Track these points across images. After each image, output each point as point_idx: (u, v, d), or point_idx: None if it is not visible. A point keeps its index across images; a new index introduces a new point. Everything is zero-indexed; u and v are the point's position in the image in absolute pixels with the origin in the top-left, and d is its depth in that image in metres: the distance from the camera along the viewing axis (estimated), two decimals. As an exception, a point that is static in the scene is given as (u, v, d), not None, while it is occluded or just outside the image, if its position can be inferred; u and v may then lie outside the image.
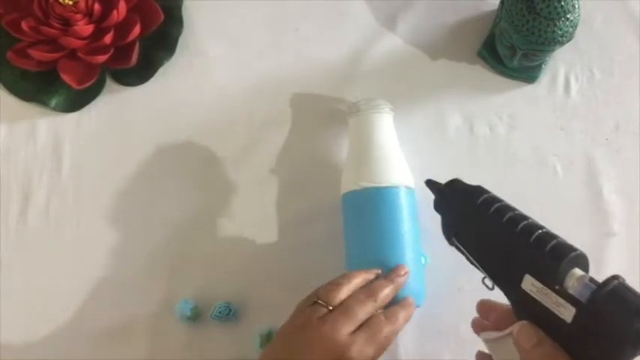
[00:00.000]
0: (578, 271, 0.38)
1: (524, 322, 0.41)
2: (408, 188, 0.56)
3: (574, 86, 0.64)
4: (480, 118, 0.63)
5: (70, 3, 0.59)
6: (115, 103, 0.64)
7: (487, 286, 0.45)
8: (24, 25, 0.60)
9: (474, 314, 0.59)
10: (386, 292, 0.50)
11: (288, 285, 0.58)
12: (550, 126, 0.63)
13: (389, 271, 0.52)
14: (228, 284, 0.59)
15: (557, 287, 0.38)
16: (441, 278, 0.59)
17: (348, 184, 0.56)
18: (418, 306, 0.54)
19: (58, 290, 0.59)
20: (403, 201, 0.55)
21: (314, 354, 0.45)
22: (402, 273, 0.52)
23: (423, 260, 0.56)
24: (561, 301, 0.38)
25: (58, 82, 0.62)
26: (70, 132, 0.63)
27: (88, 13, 0.60)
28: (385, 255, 0.53)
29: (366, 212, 0.54)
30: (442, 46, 0.65)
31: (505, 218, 0.42)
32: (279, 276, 0.59)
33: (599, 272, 0.59)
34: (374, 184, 0.54)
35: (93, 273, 0.60)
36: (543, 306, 0.39)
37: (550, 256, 0.39)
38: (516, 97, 0.64)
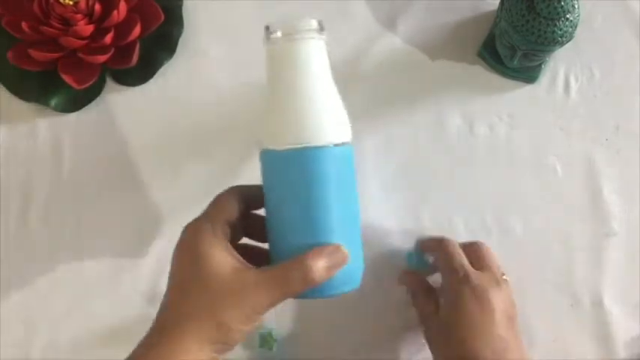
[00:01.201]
0: None
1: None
2: (344, 145, 0.44)
3: (574, 86, 0.64)
4: (480, 118, 0.63)
5: (71, 3, 0.59)
6: (115, 103, 0.64)
7: None
8: (24, 25, 0.60)
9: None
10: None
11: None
12: (550, 126, 0.63)
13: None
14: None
15: None
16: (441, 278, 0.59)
17: (267, 139, 0.44)
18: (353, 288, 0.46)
19: (58, 290, 0.59)
20: (335, 163, 0.43)
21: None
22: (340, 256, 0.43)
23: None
24: None
25: (58, 82, 0.62)
26: (70, 132, 0.63)
27: (89, 13, 0.60)
28: (315, 233, 0.43)
29: (292, 178, 0.43)
30: (442, 46, 0.65)
31: None
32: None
33: (599, 272, 0.60)
34: (301, 144, 0.42)
35: (93, 273, 0.60)
36: None
37: None
38: (516, 97, 0.64)
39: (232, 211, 0.45)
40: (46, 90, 0.63)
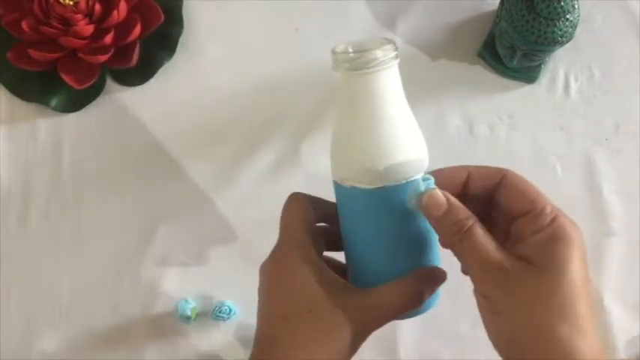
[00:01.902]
0: None
1: (432, 188, 0.40)
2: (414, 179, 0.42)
3: (574, 86, 0.64)
4: (480, 118, 0.63)
5: (71, 3, 0.59)
6: (115, 103, 0.64)
7: None
8: (24, 25, 0.60)
9: (475, 314, 0.59)
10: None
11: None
12: (550, 126, 0.63)
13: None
14: (228, 284, 0.59)
15: None
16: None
17: (353, 176, 0.41)
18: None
19: (58, 290, 0.59)
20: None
21: None
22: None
23: None
24: None
25: (58, 82, 0.62)
26: (70, 132, 0.63)
27: (89, 13, 0.60)
28: (411, 258, 0.43)
29: (384, 211, 0.41)
30: (442, 46, 0.65)
31: None
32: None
33: (599, 272, 0.60)
34: (393, 182, 0.40)
35: (93, 273, 0.60)
36: None
37: None
38: (516, 97, 0.64)
39: (309, 221, 0.42)
40: (46, 90, 0.63)
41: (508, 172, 0.43)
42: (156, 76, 0.64)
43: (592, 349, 0.35)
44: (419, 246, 0.43)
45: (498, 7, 0.63)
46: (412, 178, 0.41)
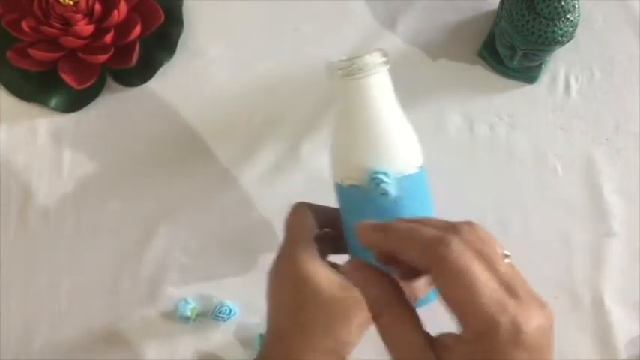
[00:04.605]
0: None
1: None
2: (421, 169, 0.45)
3: (574, 86, 0.64)
4: (480, 118, 0.63)
5: (71, 3, 0.59)
6: (115, 103, 0.64)
7: None
8: (24, 25, 0.60)
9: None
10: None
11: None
12: (550, 126, 0.63)
13: None
14: (228, 284, 0.59)
15: None
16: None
17: (335, 173, 0.45)
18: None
19: (58, 290, 0.59)
20: (417, 188, 0.45)
21: None
22: None
23: None
24: None
25: (58, 82, 0.62)
26: (70, 132, 0.63)
27: (89, 13, 0.60)
28: None
29: (379, 209, 0.43)
30: (442, 46, 0.65)
31: None
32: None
33: (599, 272, 0.60)
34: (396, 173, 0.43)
35: (93, 273, 0.60)
36: None
37: None
38: (516, 97, 0.64)
39: (313, 227, 0.45)
40: (46, 90, 0.63)
41: (435, 261, 0.31)
42: (156, 76, 0.64)
43: None
44: None
45: (498, 7, 0.63)
46: (407, 174, 0.43)
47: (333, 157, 0.45)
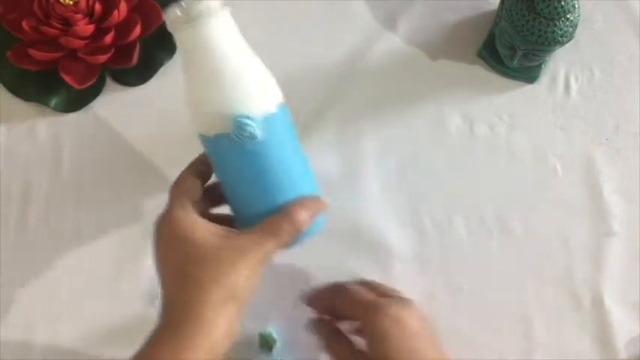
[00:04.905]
0: None
1: None
2: (281, 106, 0.46)
3: (574, 86, 0.64)
4: (480, 118, 0.63)
5: (71, 3, 0.59)
6: (115, 103, 0.64)
7: None
8: (24, 25, 0.60)
9: (475, 314, 0.59)
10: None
11: (287, 284, 0.58)
12: (550, 126, 0.63)
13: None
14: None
15: None
16: (441, 278, 0.59)
17: (197, 124, 0.45)
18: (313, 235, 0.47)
19: (58, 290, 0.59)
20: (282, 126, 0.45)
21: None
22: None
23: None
24: None
25: (58, 82, 0.62)
26: (70, 132, 0.63)
27: (89, 13, 0.60)
28: (286, 190, 0.45)
29: (244, 154, 0.44)
30: (442, 46, 0.65)
31: None
32: (280, 275, 0.59)
33: (599, 272, 0.60)
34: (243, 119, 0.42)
35: (93, 273, 0.60)
36: None
37: None
38: (516, 97, 0.64)
39: (196, 189, 0.46)
40: (46, 90, 0.63)
41: (370, 325, 0.48)
42: (156, 76, 0.64)
43: None
44: (289, 179, 0.45)
45: (498, 7, 0.63)
46: (269, 113, 0.44)
47: (193, 110, 0.45)
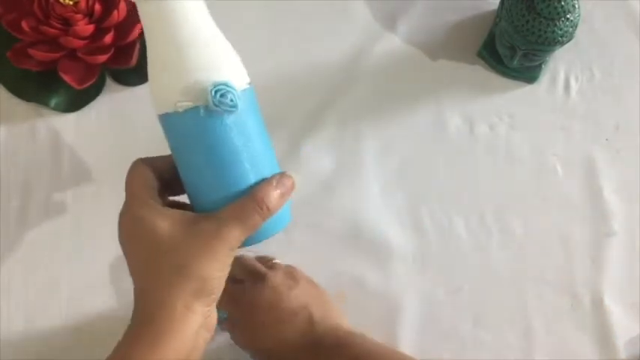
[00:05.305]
0: None
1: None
2: (251, 86, 0.43)
3: (574, 86, 0.64)
4: (480, 118, 0.63)
5: (71, 3, 0.59)
6: (115, 103, 0.64)
7: None
8: (24, 25, 0.60)
9: (474, 314, 0.59)
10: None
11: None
12: (550, 126, 0.63)
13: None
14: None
15: None
16: (441, 278, 0.59)
17: (161, 103, 0.41)
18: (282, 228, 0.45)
19: (58, 290, 0.59)
20: (253, 104, 0.42)
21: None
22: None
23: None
24: None
25: (58, 82, 0.62)
26: (70, 132, 0.63)
27: (89, 13, 0.60)
28: (251, 171, 0.42)
29: (204, 131, 0.40)
30: (442, 46, 0.65)
31: None
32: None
33: (599, 272, 0.60)
34: (203, 101, 0.39)
35: (92, 272, 0.60)
36: None
37: None
38: (516, 97, 0.64)
39: (152, 178, 0.43)
40: (46, 90, 0.63)
41: None
42: (156, 76, 0.64)
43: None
44: (257, 160, 0.42)
45: (498, 7, 0.63)
46: (243, 88, 0.41)
47: (161, 84, 0.41)
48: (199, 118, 0.40)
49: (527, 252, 0.60)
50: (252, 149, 0.41)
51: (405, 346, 0.57)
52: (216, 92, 0.39)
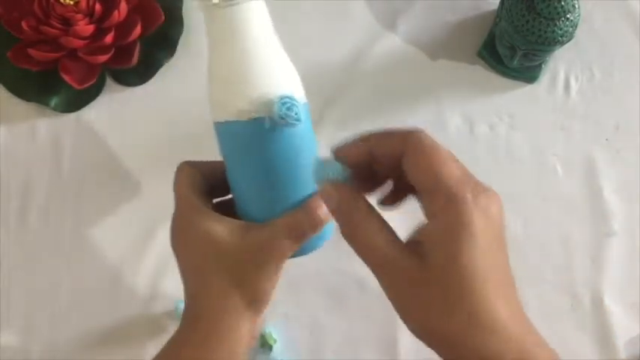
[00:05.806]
0: None
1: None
2: (304, 102, 0.43)
3: (574, 86, 0.64)
4: (480, 118, 0.63)
5: (71, 3, 0.59)
6: (115, 103, 0.64)
7: None
8: (24, 25, 0.60)
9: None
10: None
11: (287, 284, 0.58)
12: (550, 126, 0.63)
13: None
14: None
15: None
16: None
17: (223, 110, 0.42)
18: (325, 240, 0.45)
19: (58, 290, 0.59)
20: (308, 119, 0.43)
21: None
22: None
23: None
24: None
25: (58, 82, 0.62)
26: (70, 132, 0.63)
27: (89, 13, 0.60)
28: (303, 185, 0.42)
29: (257, 145, 0.41)
30: (442, 46, 0.65)
31: None
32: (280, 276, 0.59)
33: (599, 272, 0.60)
34: (264, 113, 0.40)
35: (93, 273, 0.60)
36: None
37: None
38: (516, 97, 0.64)
39: (200, 183, 0.44)
40: (46, 90, 0.63)
41: (411, 141, 0.37)
42: (156, 76, 0.64)
43: (510, 346, 0.34)
44: (305, 173, 0.41)
45: (498, 7, 0.63)
46: (303, 102, 0.41)
47: (225, 91, 0.41)
48: (263, 129, 0.40)
49: (527, 252, 0.60)
50: (306, 162, 0.41)
51: (405, 347, 0.57)
52: (282, 105, 0.39)
